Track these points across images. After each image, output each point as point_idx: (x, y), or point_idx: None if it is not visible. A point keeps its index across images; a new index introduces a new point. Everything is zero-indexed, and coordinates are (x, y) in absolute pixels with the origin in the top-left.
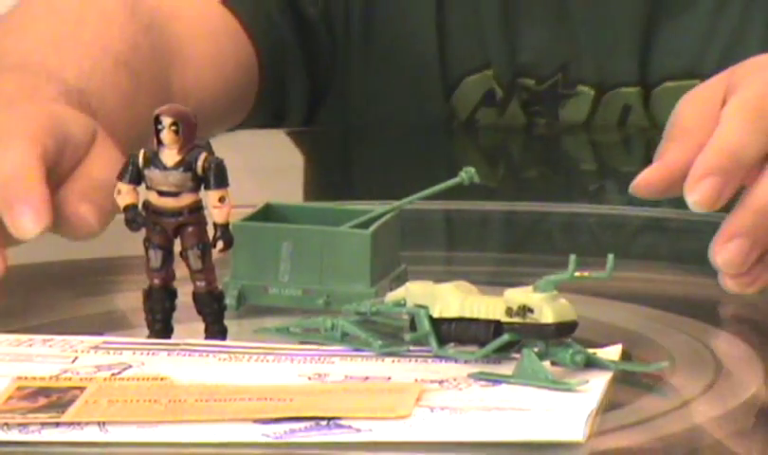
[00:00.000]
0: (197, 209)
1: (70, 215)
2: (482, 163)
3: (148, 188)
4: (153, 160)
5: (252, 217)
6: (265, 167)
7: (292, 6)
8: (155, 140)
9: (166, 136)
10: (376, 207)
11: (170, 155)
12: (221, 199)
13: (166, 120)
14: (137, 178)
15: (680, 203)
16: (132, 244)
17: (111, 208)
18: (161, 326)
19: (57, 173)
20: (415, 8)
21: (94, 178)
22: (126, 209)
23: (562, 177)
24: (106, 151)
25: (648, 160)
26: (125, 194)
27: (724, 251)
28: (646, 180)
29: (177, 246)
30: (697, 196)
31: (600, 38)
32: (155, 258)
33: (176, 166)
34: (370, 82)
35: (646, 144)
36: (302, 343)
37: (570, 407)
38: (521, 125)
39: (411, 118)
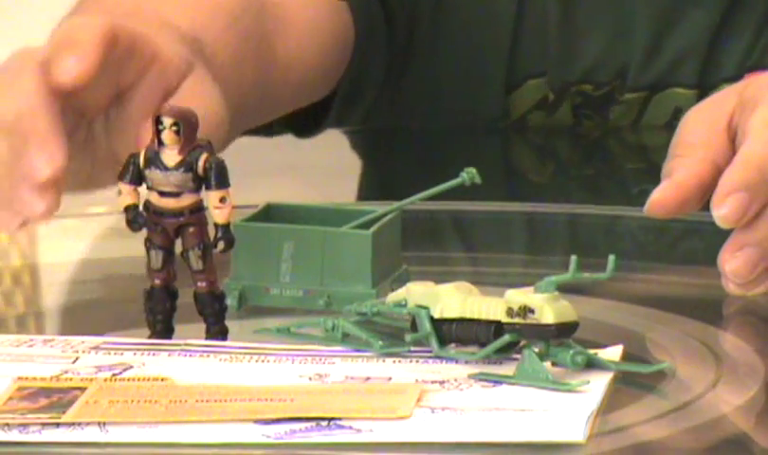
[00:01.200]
0: (198, 209)
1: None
2: (531, 163)
3: (149, 188)
4: (154, 161)
5: (253, 217)
6: (313, 165)
7: None
8: (155, 141)
9: (167, 136)
10: (378, 207)
11: (171, 156)
12: (222, 199)
13: (167, 121)
14: (137, 179)
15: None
16: (132, 244)
17: None
18: (162, 327)
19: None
20: (492, 10)
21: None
22: (127, 209)
23: (606, 178)
24: (200, 87)
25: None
26: (126, 195)
27: (724, 206)
28: (659, 201)
29: (178, 247)
30: (725, 211)
31: (662, 43)
32: (156, 258)
33: (177, 166)
34: (429, 77)
35: None
36: (303, 344)
37: (571, 407)
38: (568, 125)
39: (465, 116)
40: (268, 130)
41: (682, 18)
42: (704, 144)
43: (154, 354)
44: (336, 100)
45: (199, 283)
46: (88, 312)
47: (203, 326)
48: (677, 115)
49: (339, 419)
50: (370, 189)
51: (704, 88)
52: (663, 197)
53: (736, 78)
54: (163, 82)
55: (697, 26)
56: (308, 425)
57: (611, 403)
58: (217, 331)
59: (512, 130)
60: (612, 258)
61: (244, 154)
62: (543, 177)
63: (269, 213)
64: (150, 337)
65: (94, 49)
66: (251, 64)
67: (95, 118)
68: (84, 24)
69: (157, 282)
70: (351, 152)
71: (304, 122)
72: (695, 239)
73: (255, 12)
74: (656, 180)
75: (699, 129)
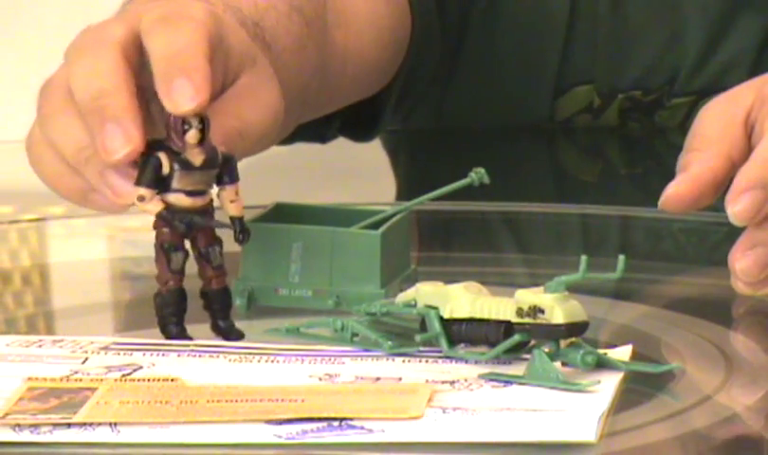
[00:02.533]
0: (212, 206)
1: (219, 129)
2: (574, 163)
3: (173, 190)
4: (180, 162)
5: (263, 217)
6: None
7: None
8: (177, 141)
9: (193, 136)
10: (387, 207)
11: (196, 155)
12: (236, 193)
13: (194, 121)
14: (155, 183)
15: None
16: (140, 245)
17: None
18: (179, 329)
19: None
20: (545, 17)
21: (246, 100)
22: (164, 216)
23: (653, 178)
24: (259, 81)
25: None
26: (150, 200)
27: (738, 203)
28: (675, 195)
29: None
30: (738, 208)
31: (714, 49)
32: (178, 260)
33: (204, 165)
34: (477, 79)
35: None
36: (313, 344)
37: (581, 407)
38: (614, 127)
39: (510, 119)
40: (322, 137)
41: (733, 24)
42: (720, 139)
43: (163, 355)
44: (390, 100)
45: (215, 280)
46: (97, 312)
47: (208, 324)
48: None
49: (351, 419)
50: (408, 190)
51: None
52: (678, 191)
53: None
54: (224, 72)
55: (748, 31)
56: (320, 425)
57: (621, 403)
58: (228, 325)
59: (557, 131)
60: (621, 258)
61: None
62: (590, 177)
63: (278, 213)
64: (166, 339)
65: (206, 78)
66: (312, 52)
67: (152, 98)
68: (188, 43)
69: (172, 284)
70: (387, 153)
71: (358, 124)
72: (705, 239)
73: (316, 1)
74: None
75: (715, 123)
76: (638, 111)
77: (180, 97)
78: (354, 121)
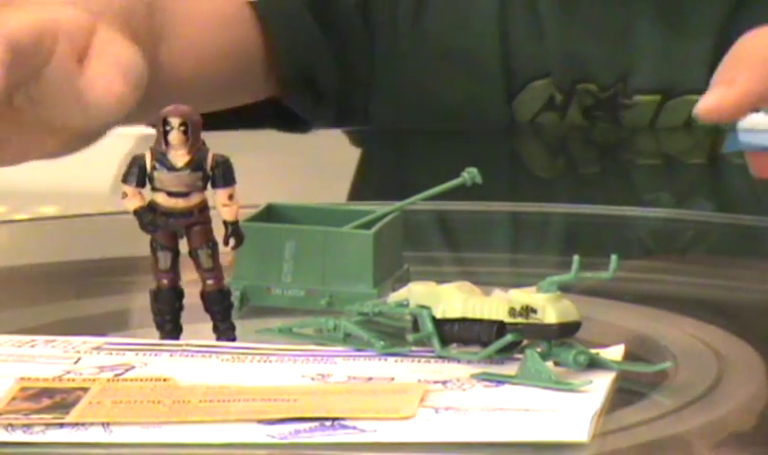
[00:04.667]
0: (205, 208)
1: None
2: (540, 165)
3: (155, 189)
4: (161, 162)
5: (255, 218)
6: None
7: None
8: (161, 142)
9: (175, 137)
10: (379, 207)
11: (179, 156)
12: (230, 197)
13: (174, 121)
14: (142, 181)
15: (684, 203)
16: (133, 244)
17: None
18: (172, 327)
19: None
20: (476, 16)
21: (113, 55)
22: (138, 212)
23: (621, 179)
24: (113, 36)
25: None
26: (131, 197)
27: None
28: (715, 104)
29: (182, 246)
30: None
31: (667, 46)
32: (165, 259)
33: (186, 166)
34: (423, 83)
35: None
36: (305, 344)
37: (574, 407)
38: (582, 128)
39: (468, 119)
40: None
41: (688, 20)
42: (763, 61)
43: (155, 355)
44: (303, 102)
45: (208, 281)
46: (90, 312)
47: (208, 326)
48: (690, 123)
49: (343, 419)
50: (373, 189)
51: None
52: (719, 100)
53: None
54: (74, 45)
55: (705, 28)
56: (312, 425)
57: (613, 403)
58: (227, 328)
59: (525, 132)
60: (614, 258)
61: (245, 153)
62: (553, 175)
63: (270, 214)
64: (160, 338)
65: None
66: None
67: (13, 93)
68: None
69: (165, 282)
70: (354, 151)
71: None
72: (697, 238)
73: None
74: (673, 179)
75: (759, 49)
76: (601, 109)
77: None
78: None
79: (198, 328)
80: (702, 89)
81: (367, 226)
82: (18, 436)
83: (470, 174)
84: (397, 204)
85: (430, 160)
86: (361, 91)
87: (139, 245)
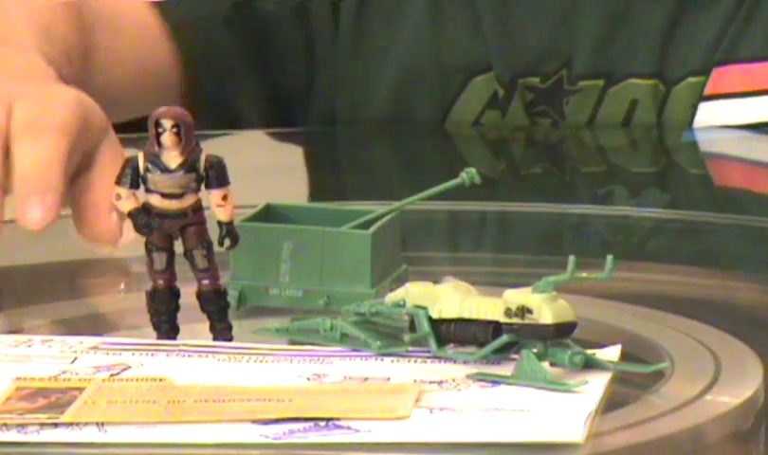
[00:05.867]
0: (199, 208)
1: (101, 224)
2: (482, 165)
3: (149, 191)
4: (154, 163)
5: (253, 217)
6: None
7: (244, 8)
8: (154, 144)
9: (168, 138)
10: (377, 207)
11: (172, 158)
12: (224, 197)
13: (167, 123)
14: (136, 182)
15: (679, 203)
16: (130, 244)
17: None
18: (168, 327)
19: (77, 156)
20: (410, 12)
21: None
22: (132, 214)
23: (564, 179)
24: (116, 149)
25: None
26: (126, 199)
27: None
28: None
29: (177, 246)
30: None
31: (609, 29)
32: (160, 260)
33: (180, 168)
34: (363, 84)
35: (653, 145)
36: (302, 344)
37: (569, 407)
38: (523, 127)
39: (410, 119)
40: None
41: (632, 5)
42: None
43: (152, 355)
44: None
45: (203, 282)
46: (86, 312)
47: (205, 325)
48: (633, 109)
49: (338, 419)
50: (324, 190)
51: (665, 80)
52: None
53: (702, 71)
54: (87, 148)
55: (650, 14)
56: (306, 425)
57: (609, 403)
58: (223, 327)
59: (470, 132)
60: (610, 258)
61: (242, 154)
62: (495, 176)
63: (269, 213)
64: (157, 338)
65: (57, 199)
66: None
67: None
68: (49, 160)
69: (161, 282)
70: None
71: None
72: (693, 238)
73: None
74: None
75: None
76: (544, 103)
77: (30, 216)
78: None
79: (195, 328)
80: (645, 72)
81: (365, 226)
82: (13, 436)
83: (469, 175)
84: (395, 204)
85: (366, 162)
86: (298, 94)
87: (137, 245)
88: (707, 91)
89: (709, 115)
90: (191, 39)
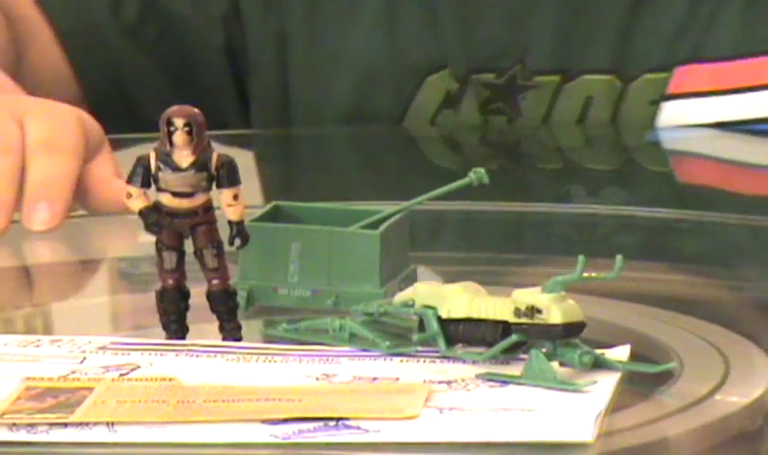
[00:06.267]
0: (210, 208)
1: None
2: (440, 162)
3: (160, 190)
4: (166, 162)
5: (261, 218)
6: None
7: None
8: (166, 143)
9: (179, 137)
10: (385, 207)
11: (183, 157)
12: (235, 197)
13: (179, 122)
14: (147, 181)
15: (688, 204)
16: (139, 244)
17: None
18: (177, 327)
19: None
20: (364, 11)
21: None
22: (143, 213)
23: (518, 178)
24: (111, 154)
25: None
26: (136, 198)
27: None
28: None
29: (187, 246)
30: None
31: (566, 25)
32: (170, 259)
33: (191, 167)
34: (317, 85)
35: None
36: (311, 344)
37: (578, 407)
38: (478, 125)
39: (367, 119)
40: None
41: (587, 2)
42: None
43: (161, 355)
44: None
45: (213, 281)
46: (95, 312)
47: (214, 325)
48: (588, 106)
49: (347, 419)
50: (277, 193)
51: (622, 76)
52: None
53: (660, 68)
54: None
55: (607, 9)
56: (316, 425)
57: (618, 403)
58: (232, 327)
59: (427, 132)
60: (619, 258)
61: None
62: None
63: (277, 214)
64: (167, 338)
65: (65, 207)
66: None
67: None
68: (62, 174)
69: (170, 282)
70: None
71: None
72: (701, 238)
73: None
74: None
75: None
76: (499, 99)
77: (36, 218)
78: None
79: (204, 328)
80: (601, 68)
81: (373, 226)
82: (22, 436)
83: (477, 175)
84: (404, 204)
85: (323, 163)
86: (224, 98)
87: (145, 245)
88: (671, 90)
89: (674, 114)
90: (83, 45)
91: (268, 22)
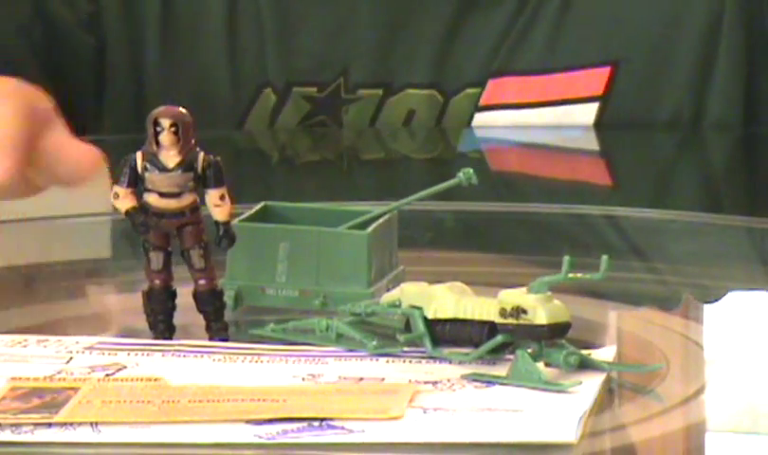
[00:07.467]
0: (197, 208)
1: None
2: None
3: (147, 190)
4: (153, 162)
5: (250, 218)
6: None
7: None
8: (152, 143)
9: (166, 138)
10: (374, 207)
11: (170, 157)
12: (221, 197)
13: (165, 122)
14: (134, 181)
15: (677, 204)
16: (126, 244)
17: None
18: (164, 327)
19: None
20: (207, 21)
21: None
22: (129, 213)
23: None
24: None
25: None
26: (124, 198)
27: None
28: None
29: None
30: None
31: (388, 39)
32: (157, 260)
33: (177, 167)
34: (167, 92)
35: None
36: (298, 344)
37: (563, 408)
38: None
39: (207, 128)
40: None
41: (408, 19)
42: None
43: (147, 355)
44: None
45: (200, 281)
46: (82, 312)
47: (201, 325)
48: (411, 117)
49: (332, 419)
50: None
51: (442, 91)
52: None
53: (477, 83)
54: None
55: (427, 25)
56: (300, 425)
57: (603, 403)
58: (219, 328)
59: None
60: (605, 258)
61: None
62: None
63: (266, 214)
64: (153, 338)
65: (15, 160)
66: None
67: None
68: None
69: (157, 282)
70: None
71: None
72: (689, 239)
73: None
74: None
75: None
76: (321, 112)
77: None
78: None
79: (191, 328)
80: (422, 83)
81: (362, 226)
82: (7, 436)
83: (466, 175)
84: (392, 204)
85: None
86: (88, 103)
87: (133, 244)
88: (483, 102)
89: (485, 125)
90: None
91: (125, 28)
